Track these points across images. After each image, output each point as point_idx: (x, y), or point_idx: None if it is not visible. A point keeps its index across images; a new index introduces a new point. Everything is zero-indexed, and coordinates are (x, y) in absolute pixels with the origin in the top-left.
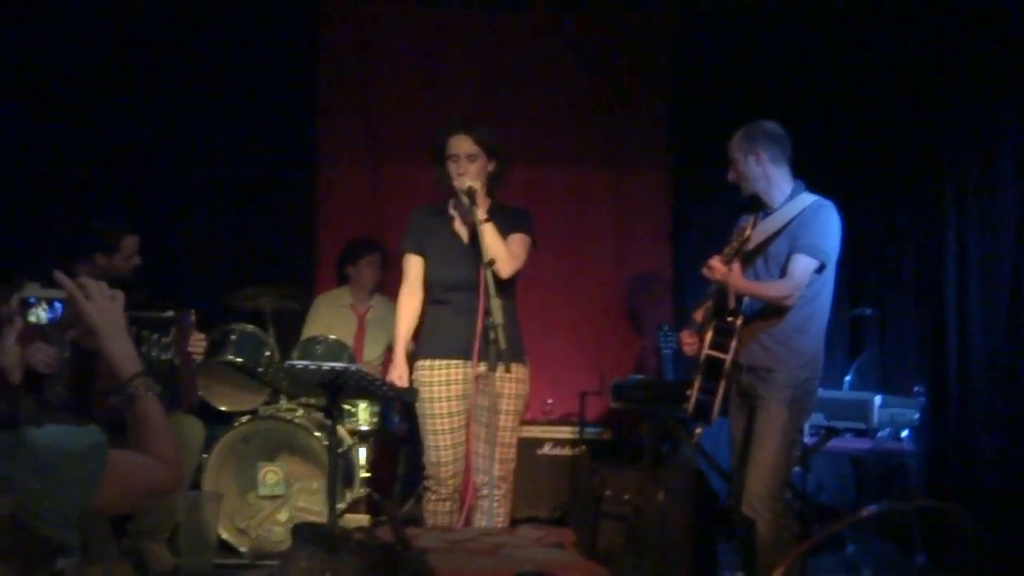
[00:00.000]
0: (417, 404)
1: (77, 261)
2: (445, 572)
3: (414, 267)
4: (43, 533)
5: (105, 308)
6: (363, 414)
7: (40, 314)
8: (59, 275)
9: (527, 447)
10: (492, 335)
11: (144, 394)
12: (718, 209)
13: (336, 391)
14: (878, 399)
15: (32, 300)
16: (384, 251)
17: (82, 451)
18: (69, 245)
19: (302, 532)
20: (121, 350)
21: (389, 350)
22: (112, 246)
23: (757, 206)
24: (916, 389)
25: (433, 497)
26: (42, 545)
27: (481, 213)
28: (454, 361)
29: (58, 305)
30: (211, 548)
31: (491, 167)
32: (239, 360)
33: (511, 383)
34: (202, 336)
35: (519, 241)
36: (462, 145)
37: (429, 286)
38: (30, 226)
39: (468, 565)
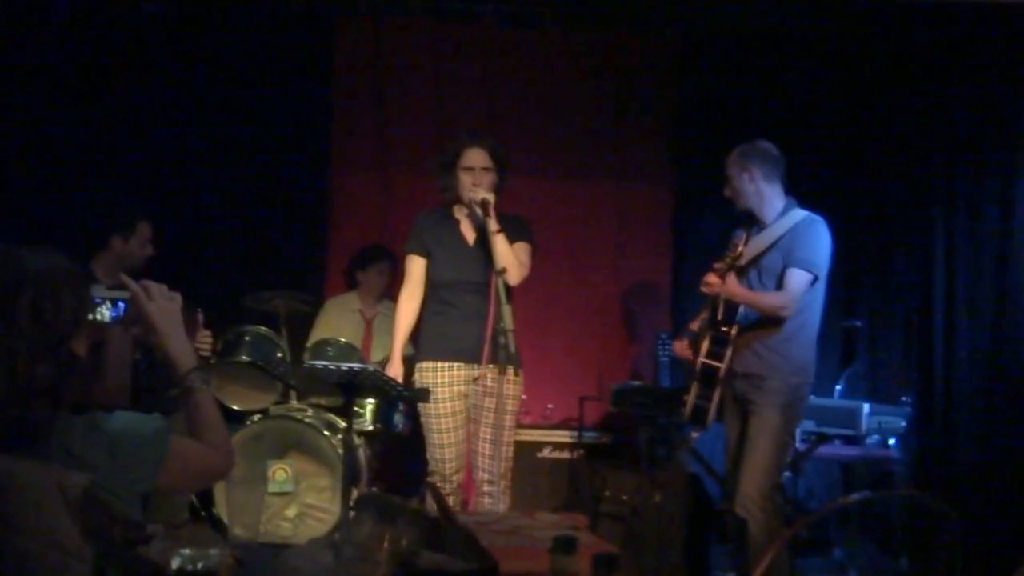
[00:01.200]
0: (421, 404)
1: (96, 248)
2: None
3: (416, 269)
4: (113, 508)
5: (165, 307)
6: (370, 415)
7: (105, 312)
8: (124, 276)
9: (527, 450)
10: (502, 340)
11: (199, 386)
12: (717, 223)
13: (352, 390)
14: (866, 407)
15: (98, 300)
16: (393, 258)
17: (149, 435)
18: (88, 228)
19: (365, 501)
20: (179, 347)
21: None
22: (128, 228)
23: (752, 221)
24: (904, 399)
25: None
26: (114, 520)
27: (494, 224)
28: (457, 363)
29: (121, 304)
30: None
31: (496, 180)
32: (253, 361)
33: (513, 386)
34: (208, 334)
35: (524, 249)
36: (478, 158)
37: (433, 287)
38: (46, 222)
39: (497, 541)
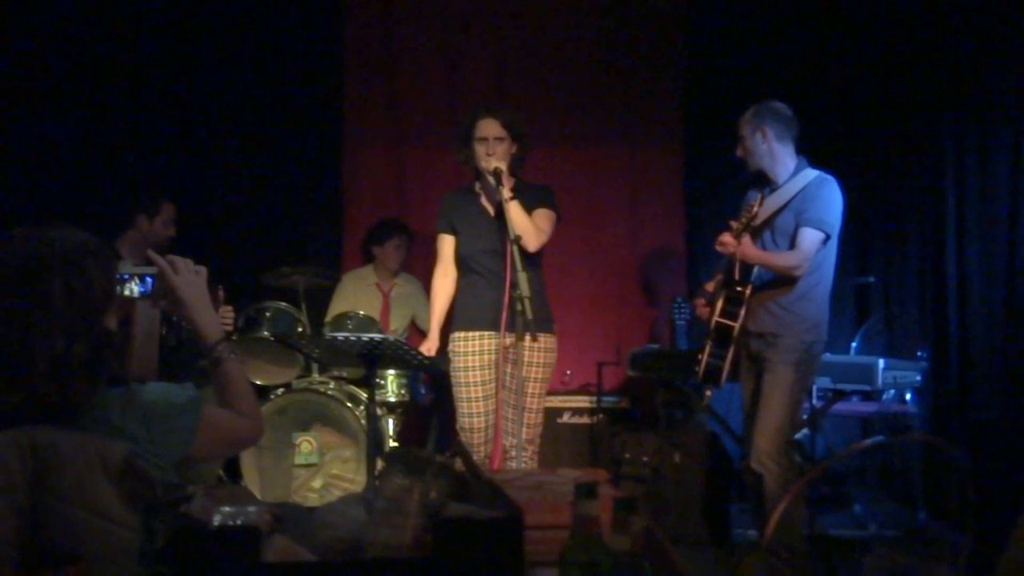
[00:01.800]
0: (452, 373)
1: (122, 228)
2: None
3: (447, 247)
4: (151, 475)
5: (191, 281)
6: (392, 386)
7: (133, 288)
8: (151, 253)
9: (547, 416)
10: (519, 307)
11: (228, 357)
12: (730, 185)
13: (374, 361)
14: (882, 362)
15: (126, 276)
16: (409, 233)
17: (182, 404)
18: (115, 209)
19: (394, 455)
20: (206, 319)
21: (413, 325)
22: (154, 208)
23: (763, 182)
24: (919, 353)
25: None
26: (153, 485)
27: (507, 192)
28: (486, 332)
29: (149, 280)
30: None
31: (514, 149)
32: (275, 335)
33: (539, 352)
34: (230, 309)
35: (544, 216)
36: (490, 128)
37: (461, 260)
38: (71, 202)
39: (520, 496)
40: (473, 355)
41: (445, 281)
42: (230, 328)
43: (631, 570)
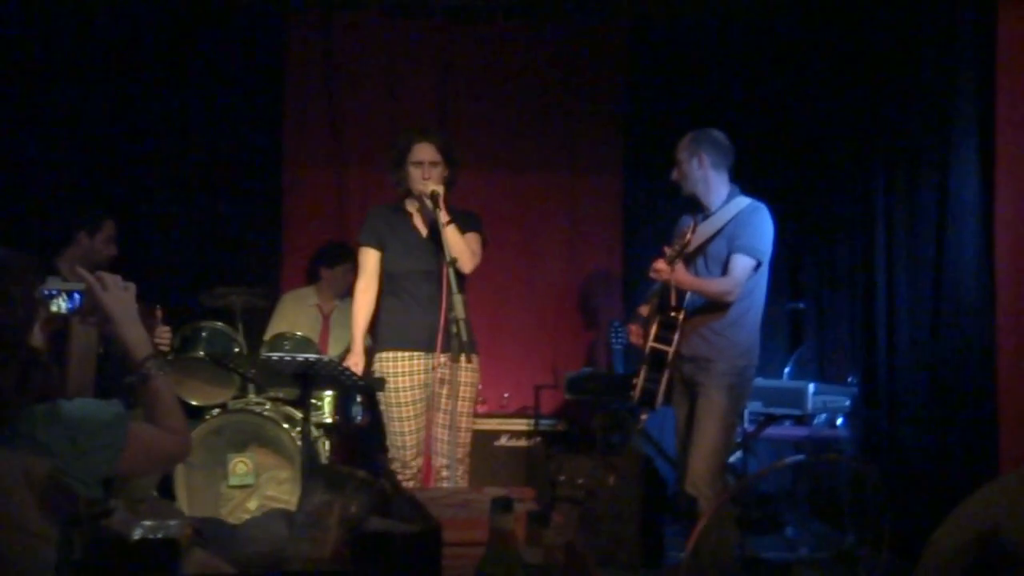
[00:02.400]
0: (381, 394)
1: (62, 245)
2: None
3: (371, 260)
4: (75, 491)
5: (120, 297)
6: (328, 407)
7: (61, 304)
8: (79, 269)
9: (484, 439)
10: (454, 328)
11: (156, 374)
12: (668, 211)
13: (309, 381)
14: (811, 387)
15: (54, 292)
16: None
17: (108, 421)
18: (55, 226)
19: (315, 472)
20: (135, 335)
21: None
22: (95, 226)
23: (697, 208)
24: (850, 379)
25: (398, 479)
26: (76, 501)
27: (444, 215)
28: (416, 352)
29: (77, 296)
30: None
31: (446, 173)
32: (210, 355)
33: (468, 372)
34: (167, 329)
35: (475, 239)
36: (426, 152)
37: (389, 278)
38: (10, 215)
39: (444, 514)
40: (403, 375)
41: (368, 296)
42: (166, 349)
43: None
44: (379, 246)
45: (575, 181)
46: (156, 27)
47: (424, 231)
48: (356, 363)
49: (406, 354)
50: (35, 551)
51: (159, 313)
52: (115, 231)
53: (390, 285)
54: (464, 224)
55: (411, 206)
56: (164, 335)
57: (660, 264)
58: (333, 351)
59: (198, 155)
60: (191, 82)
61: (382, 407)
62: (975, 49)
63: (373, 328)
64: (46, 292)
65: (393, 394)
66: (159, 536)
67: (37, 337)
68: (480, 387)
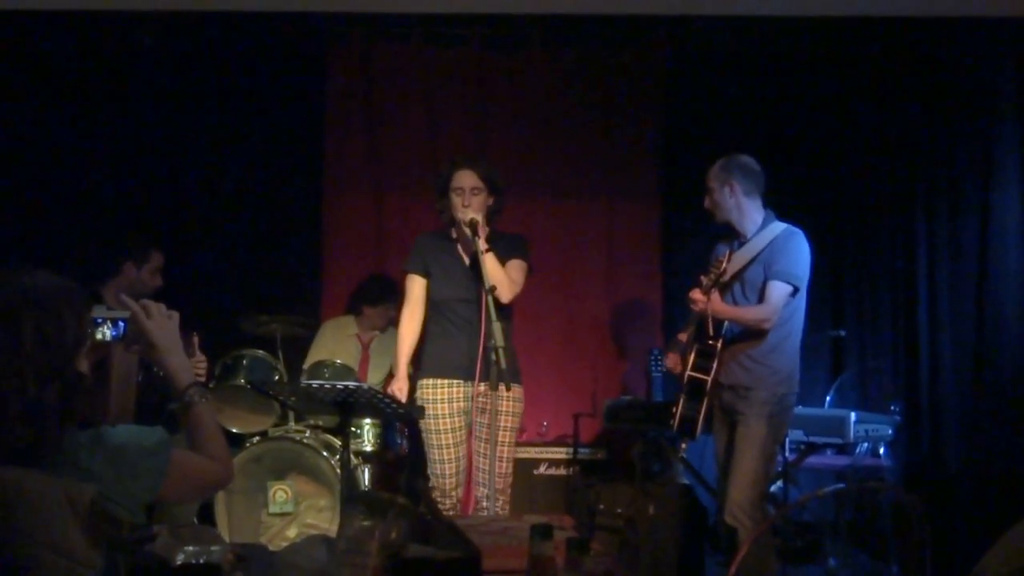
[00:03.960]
0: (422, 421)
1: (108, 275)
2: None
3: (417, 288)
4: (118, 516)
5: (164, 325)
6: (368, 435)
7: (106, 331)
8: (123, 296)
9: (524, 468)
10: (493, 356)
11: (198, 401)
12: (707, 239)
13: (348, 409)
14: (853, 415)
15: (99, 320)
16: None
17: (151, 447)
18: (102, 255)
19: (356, 497)
20: (178, 363)
21: (390, 376)
22: (143, 256)
23: (733, 235)
24: (892, 407)
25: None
26: (120, 526)
27: (482, 243)
28: (456, 380)
29: (122, 324)
30: None
31: (491, 201)
32: (251, 383)
33: (509, 402)
34: (203, 359)
35: (517, 267)
36: (467, 179)
37: (432, 305)
38: (59, 245)
39: (483, 541)
40: (443, 403)
41: (413, 324)
42: (203, 377)
43: None
44: (424, 273)
45: (613, 207)
46: (199, 58)
47: (466, 259)
48: (400, 388)
49: (446, 382)
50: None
51: (196, 340)
52: (162, 262)
53: (433, 312)
54: (509, 250)
55: (456, 233)
56: (200, 365)
57: (696, 294)
58: (372, 379)
59: (239, 183)
60: (233, 111)
61: (424, 435)
62: (1016, 71)
63: (417, 356)
64: (92, 320)
65: (433, 422)
66: (202, 561)
67: (83, 364)
68: (522, 416)
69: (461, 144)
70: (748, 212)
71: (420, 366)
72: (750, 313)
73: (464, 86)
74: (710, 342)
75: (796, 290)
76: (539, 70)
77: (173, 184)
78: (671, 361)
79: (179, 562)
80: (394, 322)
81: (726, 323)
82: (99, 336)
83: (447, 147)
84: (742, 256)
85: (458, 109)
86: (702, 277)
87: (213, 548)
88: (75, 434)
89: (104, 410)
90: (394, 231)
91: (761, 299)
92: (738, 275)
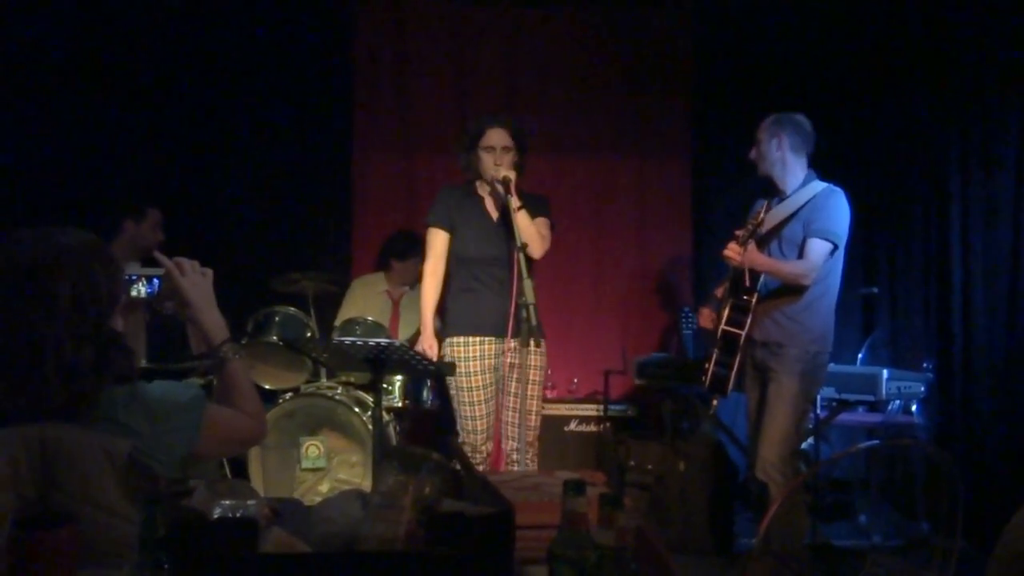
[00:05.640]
0: (452, 378)
1: (111, 235)
2: None
3: (440, 242)
4: (155, 472)
5: (198, 283)
6: (399, 392)
7: (140, 289)
8: (157, 254)
9: (554, 424)
10: (524, 314)
11: (232, 357)
12: (736, 195)
13: (380, 366)
14: (886, 372)
15: (133, 276)
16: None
17: (186, 402)
18: (101, 214)
19: (390, 453)
20: (212, 320)
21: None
22: (140, 213)
23: (771, 192)
24: (925, 365)
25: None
26: (156, 480)
27: (516, 201)
28: (486, 337)
29: (156, 281)
30: None
31: (517, 159)
32: (283, 339)
33: (537, 357)
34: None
35: (544, 224)
36: (499, 138)
37: (459, 262)
38: (58, 205)
39: (515, 496)
40: (474, 360)
41: (436, 278)
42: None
43: (616, 563)
44: (449, 228)
45: (643, 164)
46: (228, 17)
47: (495, 216)
48: (430, 346)
49: (476, 339)
50: (117, 529)
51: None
52: (160, 219)
53: (460, 270)
54: (533, 208)
55: (481, 190)
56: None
57: (732, 247)
58: (403, 336)
59: (269, 141)
60: (263, 70)
61: (452, 391)
62: None
63: (441, 311)
64: (127, 277)
65: (464, 379)
66: (238, 515)
67: (118, 321)
68: (549, 372)
69: (491, 100)
70: (792, 168)
71: (448, 324)
72: (788, 267)
73: (494, 43)
74: (745, 297)
75: (835, 248)
76: (569, 28)
77: (204, 144)
78: (704, 318)
79: (216, 516)
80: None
81: (761, 278)
82: (134, 293)
83: (476, 105)
84: (780, 212)
85: (487, 66)
86: (737, 232)
87: (249, 502)
88: (111, 390)
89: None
90: (423, 188)
91: (799, 256)
92: (776, 231)
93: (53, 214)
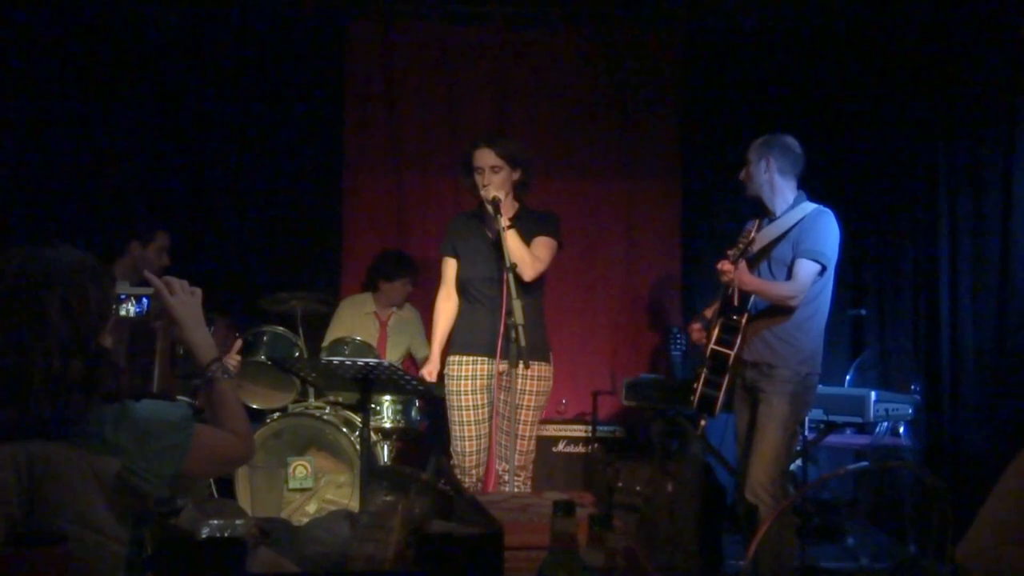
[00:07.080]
0: (446, 397)
1: (114, 255)
2: None
3: (449, 270)
4: (143, 491)
5: (187, 302)
6: (387, 412)
7: (130, 308)
8: (147, 273)
9: (543, 445)
10: (513, 334)
11: (221, 377)
12: (727, 216)
13: (368, 386)
14: (873, 394)
15: (123, 296)
16: (418, 270)
17: (174, 422)
18: (108, 233)
19: (379, 473)
20: (200, 339)
21: (409, 356)
22: (148, 235)
23: (762, 212)
24: (913, 387)
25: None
26: (145, 500)
27: (504, 221)
28: (480, 357)
29: (145, 300)
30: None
31: (516, 176)
32: (272, 358)
33: (532, 380)
34: (238, 359)
35: (543, 244)
36: (485, 158)
37: (460, 284)
38: (65, 224)
39: (504, 518)
40: (467, 379)
41: (448, 304)
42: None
43: None
44: (455, 254)
45: (633, 186)
46: (220, 37)
47: (492, 237)
48: (431, 372)
49: (470, 358)
50: (105, 548)
51: (238, 344)
52: (168, 242)
53: (462, 292)
54: (535, 227)
55: (483, 212)
56: (233, 360)
57: (725, 264)
58: (391, 356)
59: (259, 161)
60: (253, 90)
61: (448, 411)
62: None
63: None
64: (116, 295)
65: (456, 398)
66: (226, 535)
67: (107, 339)
68: (549, 395)
69: (481, 121)
70: (780, 190)
71: (449, 343)
72: (776, 288)
73: (484, 64)
74: (735, 316)
75: (824, 269)
76: (558, 48)
77: (194, 161)
78: (695, 332)
79: (204, 535)
80: (411, 299)
81: (752, 298)
82: (123, 312)
83: (466, 125)
84: (770, 232)
85: (477, 87)
86: (728, 251)
87: (237, 522)
88: (100, 408)
89: (130, 385)
90: (414, 209)
91: (788, 277)
92: (766, 252)
93: (59, 232)
